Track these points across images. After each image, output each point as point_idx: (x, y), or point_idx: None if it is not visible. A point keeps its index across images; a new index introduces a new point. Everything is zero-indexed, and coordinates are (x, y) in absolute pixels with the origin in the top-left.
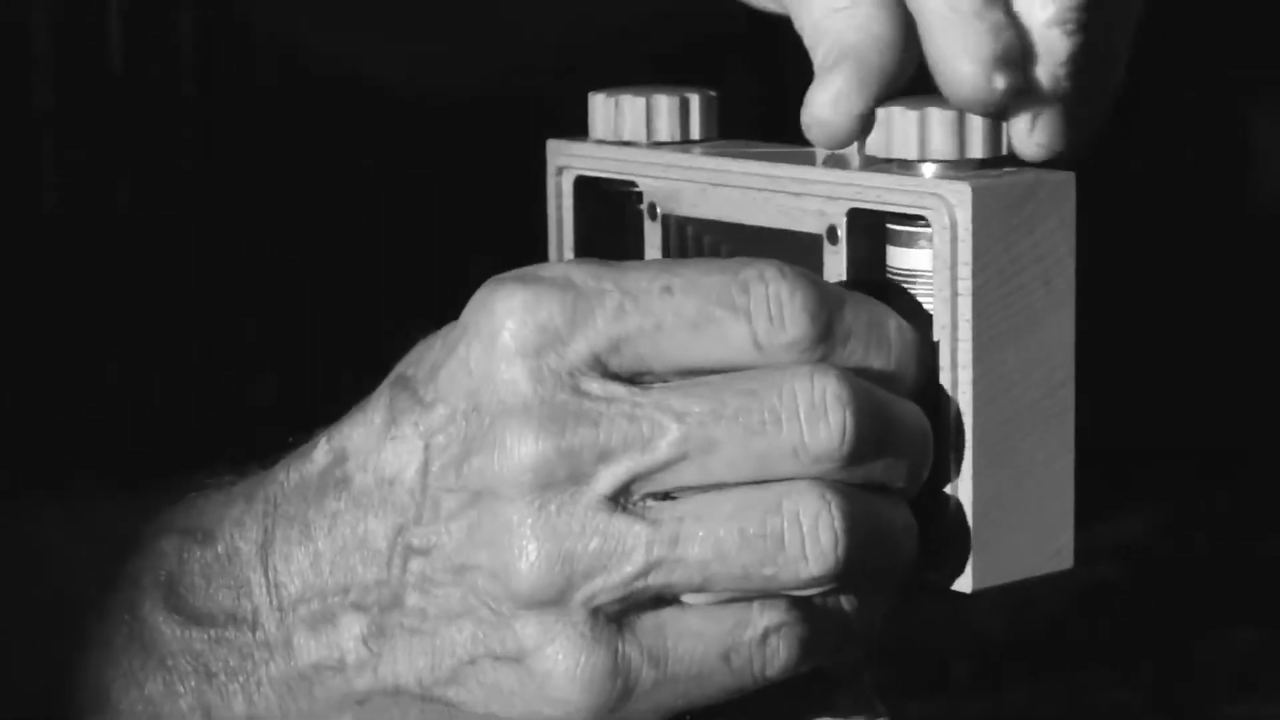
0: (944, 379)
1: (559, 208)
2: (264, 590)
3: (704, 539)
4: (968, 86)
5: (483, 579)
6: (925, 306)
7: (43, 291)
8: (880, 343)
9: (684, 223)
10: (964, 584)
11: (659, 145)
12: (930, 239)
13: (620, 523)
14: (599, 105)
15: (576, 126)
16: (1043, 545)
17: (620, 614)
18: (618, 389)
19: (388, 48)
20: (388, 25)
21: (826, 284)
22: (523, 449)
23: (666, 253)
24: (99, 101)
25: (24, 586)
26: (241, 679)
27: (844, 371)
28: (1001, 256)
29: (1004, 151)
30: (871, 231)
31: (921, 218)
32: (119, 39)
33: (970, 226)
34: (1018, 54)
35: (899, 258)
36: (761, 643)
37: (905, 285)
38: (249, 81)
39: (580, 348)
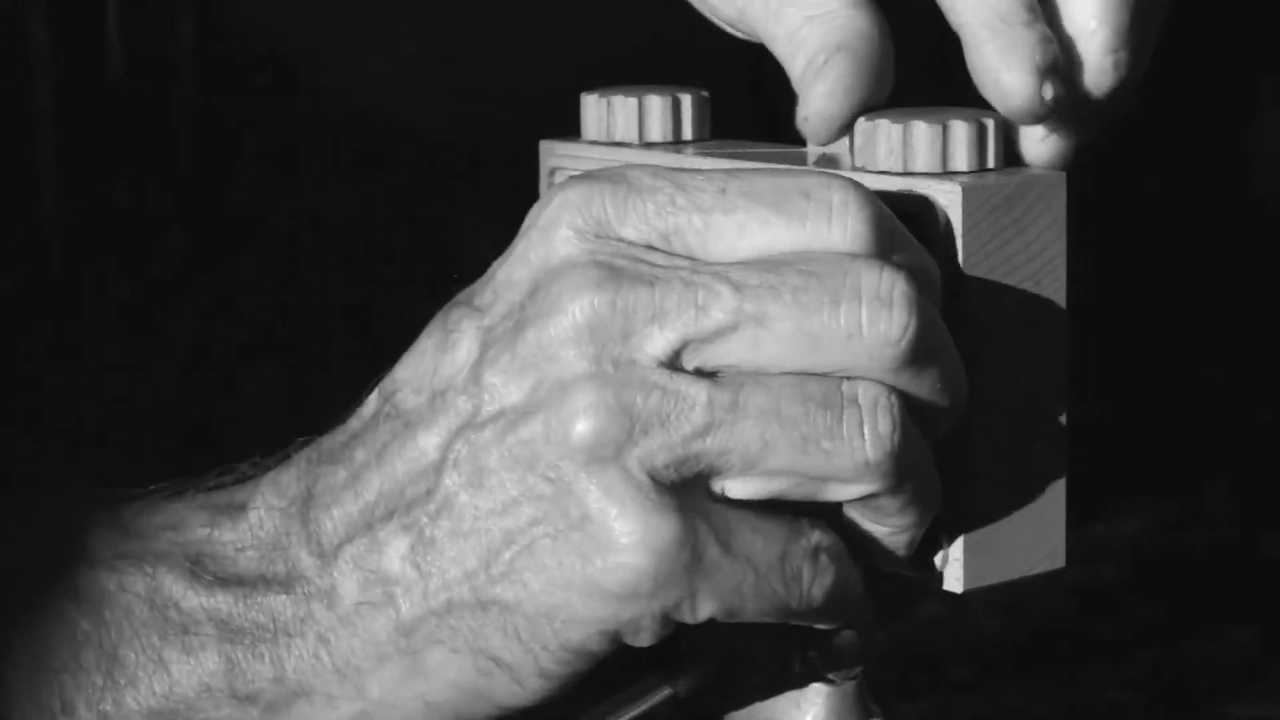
0: None
1: None
2: (302, 543)
3: (765, 403)
4: (1018, 96)
5: (540, 445)
6: None
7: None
8: (923, 262)
9: None
10: (955, 584)
11: (651, 145)
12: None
13: (681, 380)
14: (591, 106)
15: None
16: (1035, 545)
17: (680, 483)
18: (677, 259)
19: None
20: (387, 26)
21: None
22: (577, 304)
23: None
24: (99, 101)
25: (51, 564)
26: (269, 639)
27: (919, 274)
28: (993, 256)
29: (990, 165)
30: None
31: (910, 220)
32: (118, 40)
33: (961, 226)
34: (1063, 65)
35: None
36: (814, 556)
37: None
38: (248, 83)
39: (631, 234)
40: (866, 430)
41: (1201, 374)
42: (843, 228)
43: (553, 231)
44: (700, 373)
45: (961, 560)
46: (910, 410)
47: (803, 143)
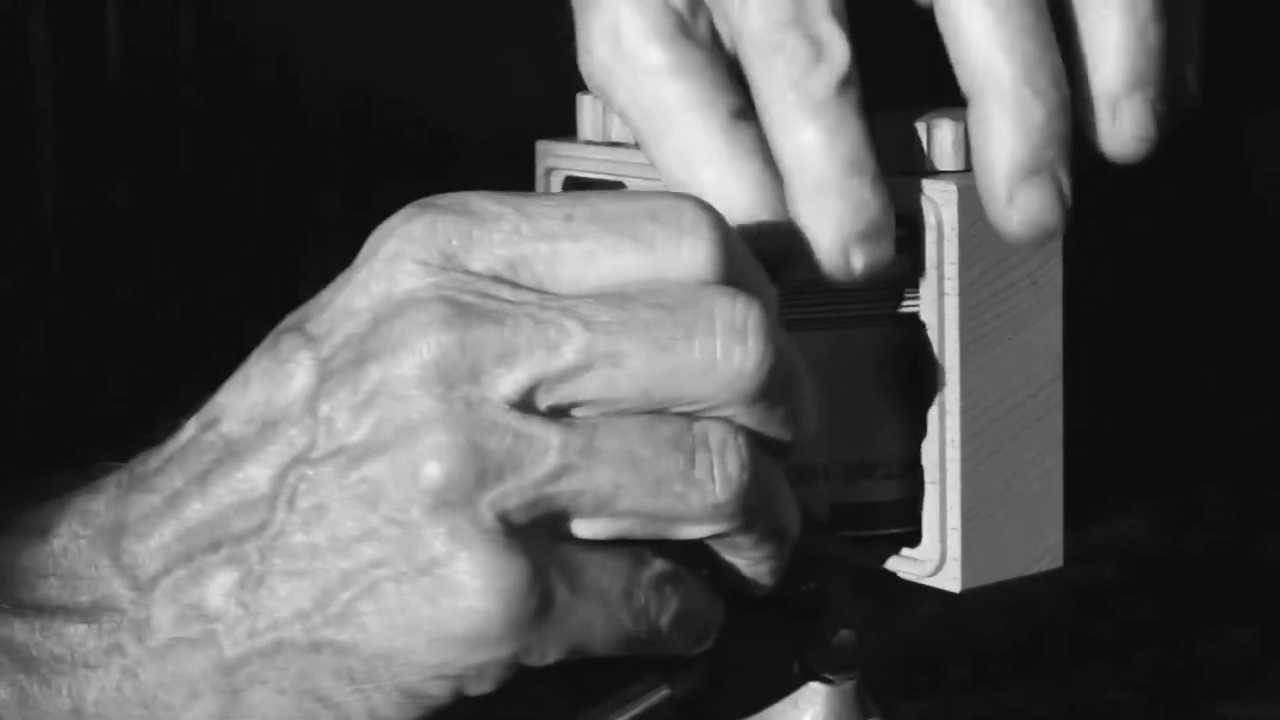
0: (931, 379)
1: None
2: (114, 574)
3: (618, 447)
4: (826, 259)
5: (386, 485)
6: (907, 310)
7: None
8: (767, 287)
9: None
10: (952, 583)
11: None
12: (907, 245)
13: (534, 423)
14: (586, 106)
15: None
16: (1032, 544)
17: (528, 526)
18: (525, 293)
19: (385, 49)
20: (386, 26)
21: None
22: (424, 342)
23: None
24: (98, 101)
25: None
26: (68, 670)
27: (766, 303)
28: (988, 256)
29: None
30: None
31: (902, 222)
32: (118, 39)
33: (956, 226)
34: (884, 228)
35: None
36: (658, 587)
37: (889, 290)
38: (248, 82)
39: (478, 266)
40: (716, 472)
41: (1200, 375)
42: (693, 252)
43: (396, 263)
44: (555, 410)
45: (960, 560)
46: (765, 442)
47: None
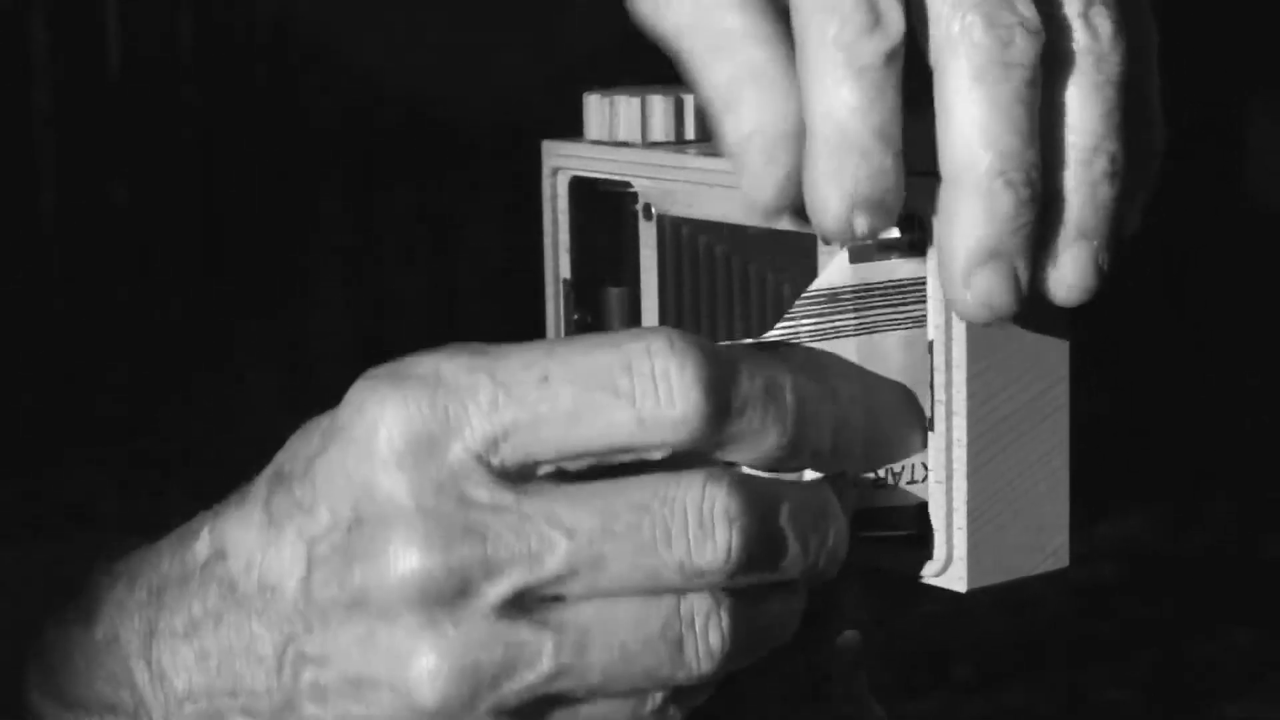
0: (938, 379)
1: (554, 209)
2: (148, 681)
3: (608, 645)
4: (830, 218)
5: (385, 694)
6: (915, 311)
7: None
8: (778, 409)
9: (679, 223)
10: (958, 583)
11: (654, 145)
12: (906, 248)
13: (523, 630)
14: (594, 105)
15: (571, 128)
16: (1038, 544)
17: (524, 712)
18: (505, 496)
19: (385, 49)
20: (386, 27)
21: (719, 350)
22: (407, 564)
23: (662, 253)
24: (98, 101)
25: None
26: None
27: (737, 479)
28: None
29: None
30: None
31: (914, 223)
32: (118, 39)
33: None
34: (894, 201)
35: (889, 266)
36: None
37: (892, 291)
38: (248, 82)
39: (458, 450)
40: (700, 650)
41: (1202, 376)
42: (671, 405)
43: (372, 451)
44: (543, 600)
45: (965, 560)
46: (753, 594)
47: None
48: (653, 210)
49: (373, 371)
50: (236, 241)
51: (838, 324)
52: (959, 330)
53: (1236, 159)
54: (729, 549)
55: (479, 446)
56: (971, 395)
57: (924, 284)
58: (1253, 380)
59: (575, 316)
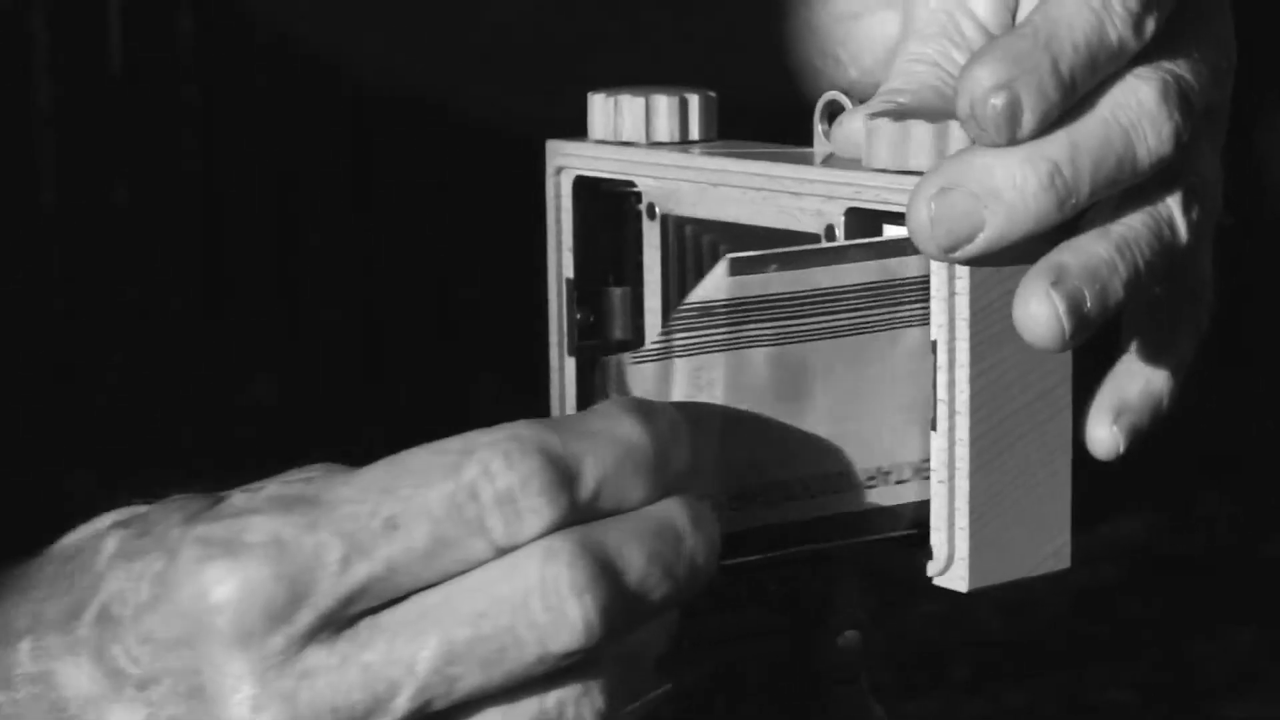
0: (941, 379)
1: (558, 208)
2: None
3: None
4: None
5: None
6: (918, 311)
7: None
8: (634, 472)
9: (683, 222)
10: (960, 583)
11: (658, 145)
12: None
13: None
14: (598, 105)
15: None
16: (1040, 545)
17: None
18: (347, 648)
19: (386, 48)
20: (386, 27)
21: (560, 442)
22: None
23: (665, 253)
24: (99, 101)
25: None
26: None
27: (577, 546)
28: (994, 256)
29: None
30: (869, 231)
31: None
32: (119, 39)
33: None
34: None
35: (894, 264)
36: None
37: (896, 290)
38: (248, 81)
39: (306, 617)
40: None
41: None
42: (521, 522)
43: (210, 630)
44: None
45: (967, 559)
46: (630, 656)
47: (808, 143)
48: (656, 210)
49: (205, 532)
50: (236, 241)
51: (708, 338)
52: (962, 329)
53: (1242, 162)
54: (586, 623)
55: (330, 608)
56: (975, 394)
57: (910, 282)
58: (1253, 381)
59: (578, 316)
